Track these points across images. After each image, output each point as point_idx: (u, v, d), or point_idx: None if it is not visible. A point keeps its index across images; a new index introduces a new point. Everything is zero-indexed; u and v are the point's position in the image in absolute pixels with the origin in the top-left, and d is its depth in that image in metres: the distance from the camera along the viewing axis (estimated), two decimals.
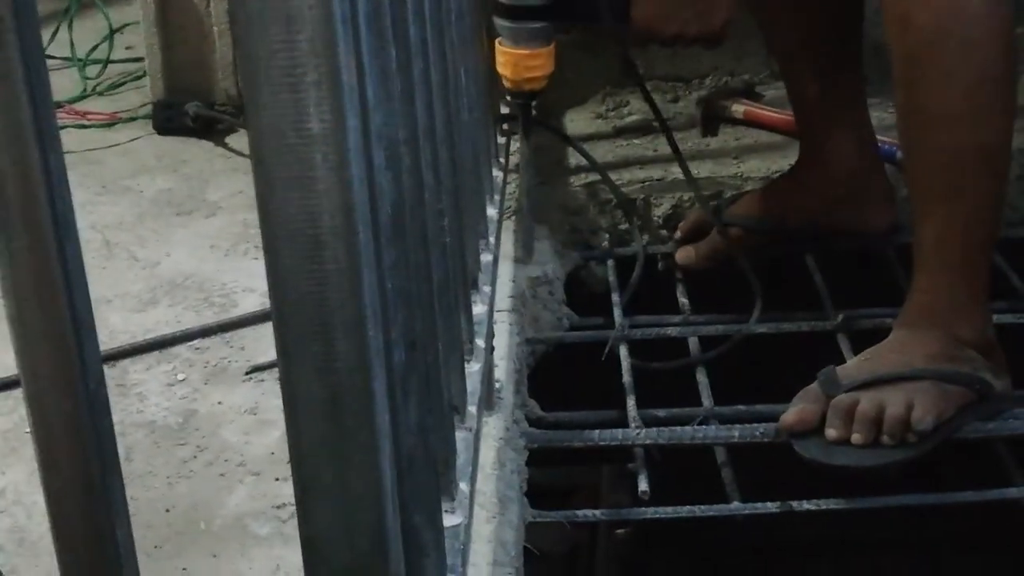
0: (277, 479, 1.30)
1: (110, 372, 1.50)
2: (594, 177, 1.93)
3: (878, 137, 1.81)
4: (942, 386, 1.38)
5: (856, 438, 1.35)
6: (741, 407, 1.55)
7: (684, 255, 1.79)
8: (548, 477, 1.57)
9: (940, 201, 1.40)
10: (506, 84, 1.64)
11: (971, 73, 1.36)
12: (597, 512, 1.48)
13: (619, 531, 2.04)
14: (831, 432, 1.36)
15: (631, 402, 1.53)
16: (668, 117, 2.14)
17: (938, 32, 1.36)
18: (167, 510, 1.26)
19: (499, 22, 1.60)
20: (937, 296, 1.42)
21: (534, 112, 1.72)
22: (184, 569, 1.18)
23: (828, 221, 1.75)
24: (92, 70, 2.57)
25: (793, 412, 1.39)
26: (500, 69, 1.64)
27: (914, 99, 1.41)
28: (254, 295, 1.69)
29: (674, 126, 2.12)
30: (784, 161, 1.94)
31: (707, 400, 1.55)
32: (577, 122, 2.18)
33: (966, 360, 1.40)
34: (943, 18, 1.36)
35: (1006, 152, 1.42)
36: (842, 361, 1.51)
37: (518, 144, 2.01)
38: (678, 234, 1.84)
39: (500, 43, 1.63)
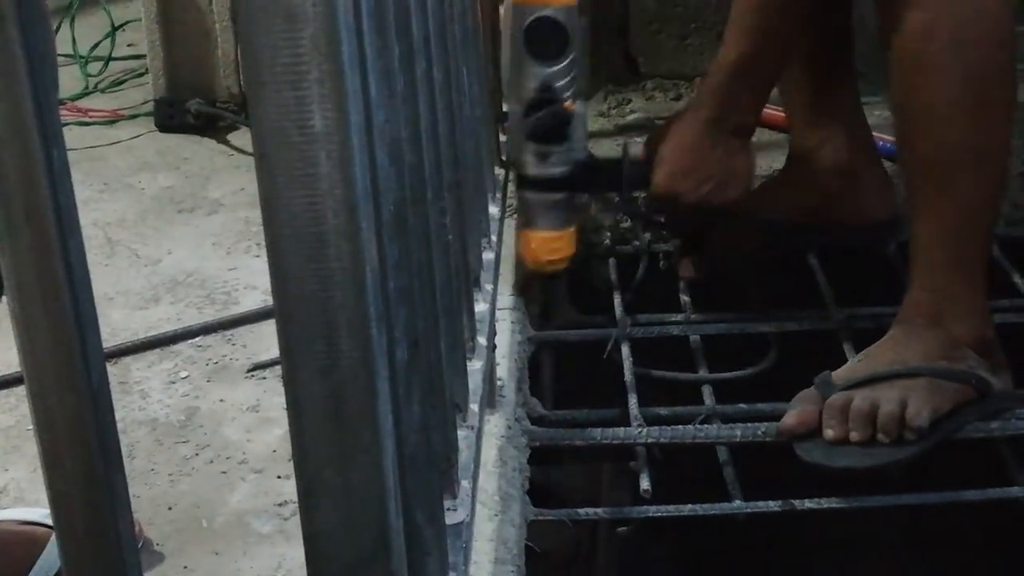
0: (279, 477, 1.30)
1: (112, 370, 1.50)
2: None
3: (878, 135, 1.80)
4: (937, 383, 1.38)
5: (854, 436, 1.35)
6: (743, 406, 1.55)
7: (686, 271, 1.80)
8: (550, 475, 1.57)
9: (933, 198, 1.41)
10: (528, 266, 1.67)
11: (965, 71, 1.36)
12: (599, 510, 1.48)
13: (620, 529, 2.04)
14: (829, 432, 1.36)
15: (633, 400, 1.53)
16: (668, 117, 2.14)
17: (932, 29, 1.36)
18: (169, 508, 1.26)
19: (524, 197, 1.63)
20: (932, 294, 1.42)
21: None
22: (186, 567, 1.18)
23: (825, 216, 1.75)
24: (94, 67, 2.57)
25: (792, 415, 1.39)
26: (522, 251, 1.66)
27: (908, 96, 1.41)
28: (256, 292, 1.69)
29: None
30: (783, 158, 1.94)
31: (709, 399, 1.55)
32: None
33: (962, 358, 1.40)
34: (937, 17, 1.36)
35: (1002, 150, 1.42)
36: (844, 359, 1.51)
37: None
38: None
39: (522, 228, 1.66)
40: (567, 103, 1.56)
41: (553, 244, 1.64)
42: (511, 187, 1.81)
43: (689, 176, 1.61)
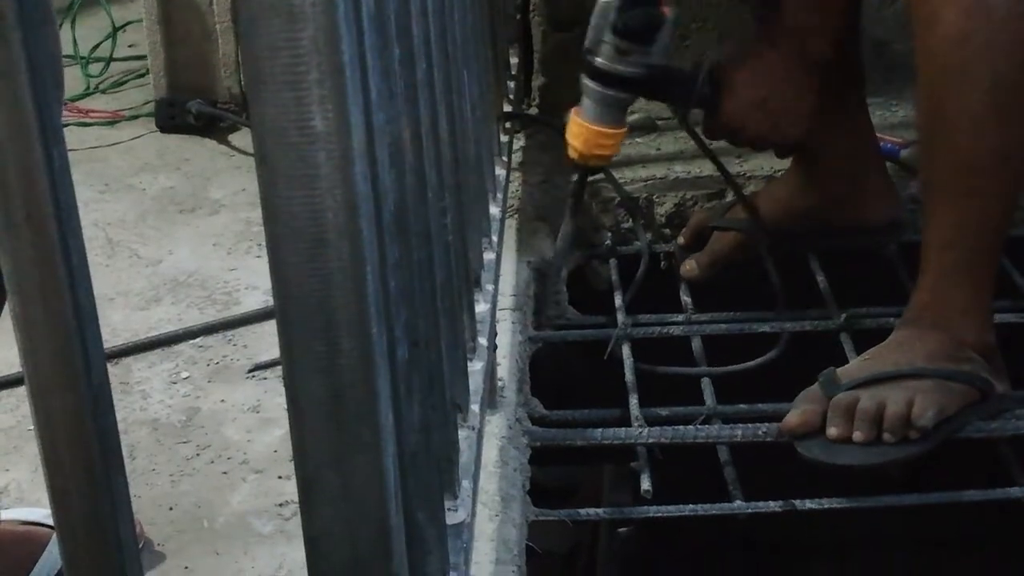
0: (280, 477, 1.30)
1: (113, 370, 1.50)
2: (596, 176, 1.93)
3: (881, 136, 1.80)
4: (944, 384, 1.38)
5: (857, 436, 1.35)
6: (743, 406, 1.54)
7: (688, 269, 1.79)
8: (550, 475, 1.57)
9: (954, 202, 1.40)
10: (572, 155, 1.67)
11: (996, 75, 1.35)
12: (599, 511, 1.48)
13: (621, 530, 2.04)
14: (832, 431, 1.36)
15: (634, 401, 1.53)
16: (669, 116, 2.15)
17: (965, 32, 1.35)
18: (170, 508, 1.26)
19: (588, 87, 1.62)
20: (942, 296, 1.42)
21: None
22: (186, 567, 1.18)
23: (828, 219, 1.75)
24: (95, 68, 2.58)
25: (795, 415, 1.39)
26: (571, 139, 1.66)
27: (937, 98, 1.40)
28: (256, 293, 1.69)
29: (676, 125, 2.12)
30: (786, 160, 1.94)
31: (710, 399, 1.55)
32: None
33: (967, 361, 1.40)
34: (971, 19, 1.35)
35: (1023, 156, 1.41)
36: (845, 360, 1.51)
37: (521, 142, 2.01)
38: (680, 240, 1.84)
39: (576, 114, 1.65)
40: (664, 6, 1.56)
41: (603, 140, 1.64)
42: (512, 188, 1.81)
43: (757, 111, 1.62)
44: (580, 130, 1.64)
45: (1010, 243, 1.69)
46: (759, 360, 1.64)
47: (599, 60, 1.60)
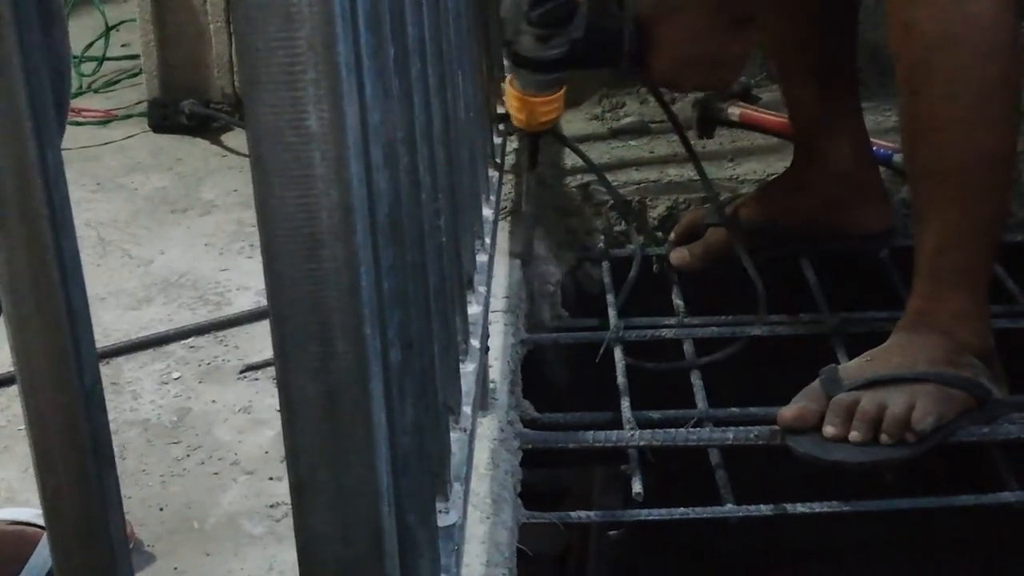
0: (271, 478, 1.30)
1: (104, 370, 1.49)
2: (590, 178, 1.93)
3: (874, 140, 1.81)
4: (944, 389, 1.38)
5: (854, 436, 1.35)
6: (735, 409, 1.55)
7: (678, 256, 1.79)
8: (542, 478, 1.57)
9: (943, 208, 1.40)
10: (516, 124, 1.67)
11: (977, 82, 1.35)
12: (590, 513, 1.48)
13: (612, 532, 2.04)
14: (829, 429, 1.36)
15: (625, 403, 1.53)
16: (663, 119, 2.14)
17: (945, 39, 1.35)
18: (160, 508, 1.26)
19: (520, 73, 1.62)
20: (939, 302, 1.42)
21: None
22: (176, 568, 1.18)
23: (823, 224, 1.75)
24: (88, 67, 2.57)
25: (793, 408, 1.39)
26: (512, 112, 1.65)
27: (919, 106, 1.40)
28: (248, 293, 1.69)
29: (670, 128, 2.12)
30: (779, 164, 1.94)
31: (701, 402, 1.55)
32: (573, 123, 2.18)
33: (967, 366, 1.40)
34: (950, 26, 1.35)
35: (1011, 161, 1.42)
36: (837, 363, 1.50)
37: (514, 144, 2.01)
38: (672, 237, 1.84)
39: (512, 85, 1.64)
40: None
41: (544, 108, 1.65)
42: (504, 190, 1.81)
43: (686, 64, 1.61)
44: (521, 104, 1.64)
45: (1003, 249, 1.69)
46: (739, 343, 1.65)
47: (522, 49, 1.59)
